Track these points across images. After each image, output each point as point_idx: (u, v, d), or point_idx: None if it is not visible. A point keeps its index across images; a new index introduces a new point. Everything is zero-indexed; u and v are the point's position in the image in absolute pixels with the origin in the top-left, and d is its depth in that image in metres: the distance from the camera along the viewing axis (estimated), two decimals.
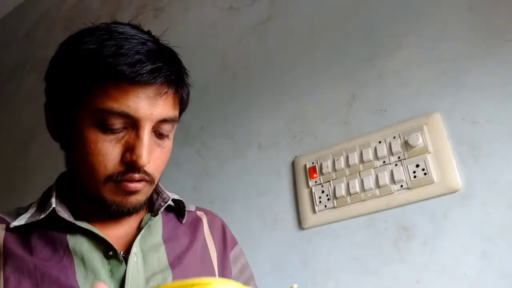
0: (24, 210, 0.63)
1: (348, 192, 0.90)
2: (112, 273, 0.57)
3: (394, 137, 0.88)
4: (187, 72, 0.65)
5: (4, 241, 0.58)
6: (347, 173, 0.91)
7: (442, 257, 0.78)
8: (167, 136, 0.62)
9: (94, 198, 0.59)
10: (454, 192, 0.80)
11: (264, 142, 1.09)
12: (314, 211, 0.93)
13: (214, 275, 0.67)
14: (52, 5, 1.92)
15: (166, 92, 0.58)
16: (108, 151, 0.56)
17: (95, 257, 0.58)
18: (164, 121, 0.59)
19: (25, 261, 0.56)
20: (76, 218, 0.60)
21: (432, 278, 0.78)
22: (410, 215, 0.83)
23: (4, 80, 1.96)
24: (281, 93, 1.10)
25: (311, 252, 0.92)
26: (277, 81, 1.11)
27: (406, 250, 0.82)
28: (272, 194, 1.02)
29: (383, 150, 0.88)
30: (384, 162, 0.88)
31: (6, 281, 0.54)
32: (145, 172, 0.58)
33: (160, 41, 0.62)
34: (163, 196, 0.69)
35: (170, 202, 0.69)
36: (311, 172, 0.96)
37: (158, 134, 0.60)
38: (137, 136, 0.57)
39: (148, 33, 0.61)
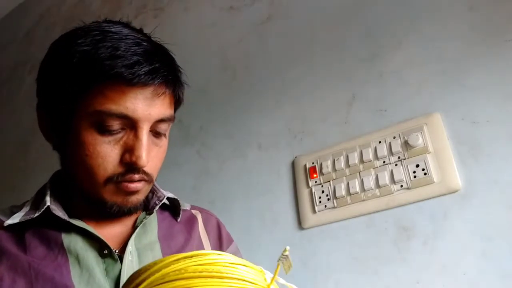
0: (18, 208, 0.62)
1: (348, 192, 0.90)
2: (107, 271, 0.57)
3: (394, 137, 0.88)
4: (182, 70, 0.65)
5: None
6: (347, 173, 0.91)
7: (442, 257, 0.78)
8: (164, 135, 0.62)
9: (94, 199, 0.59)
10: (454, 192, 0.80)
11: (264, 142, 1.09)
12: (314, 211, 0.93)
13: None
14: (52, 5, 1.92)
15: (164, 93, 0.58)
16: (107, 152, 0.56)
17: (90, 255, 0.57)
18: (162, 120, 0.59)
19: (20, 260, 0.56)
20: (70, 217, 0.59)
21: (432, 278, 0.78)
22: (410, 215, 0.83)
23: (4, 80, 1.96)
24: (281, 93, 1.10)
25: (311, 252, 0.92)
26: (277, 81, 1.11)
27: (406, 250, 0.82)
28: (272, 194, 1.02)
29: (383, 150, 0.88)
30: (384, 162, 0.88)
31: (0, 280, 0.54)
32: (144, 172, 0.58)
33: (152, 39, 0.62)
34: (158, 195, 0.69)
35: (165, 201, 0.69)
36: (311, 172, 0.96)
37: (155, 133, 0.60)
38: (136, 137, 0.57)
39: (141, 31, 0.61)
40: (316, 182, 0.95)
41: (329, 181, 0.93)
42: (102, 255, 0.58)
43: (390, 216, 0.85)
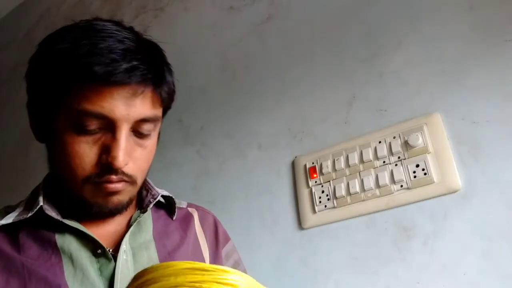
0: (13, 208, 0.62)
1: (348, 192, 0.90)
2: (101, 271, 0.57)
3: (394, 137, 0.88)
4: (170, 68, 0.63)
5: None
6: (347, 173, 0.91)
7: (442, 257, 0.78)
8: (148, 135, 0.60)
9: (76, 199, 0.59)
10: (454, 192, 0.80)
11: (264, 142, 1.09)
12: (314, 211, 0.93)
13: None
14: (52, 5, 1.92)
15: (142, 92, 0.56)
16: (85, 152, 0.55)
17: (83, 255, 0.57)
18: (144, 120, 0.58)
19: (13, 260, 0.56)
20: (64, 217, 0.59)
21: (432, 278, 0.78)
22: (410, 215, 0.83)
23: (4, 80, 1.95)
24: (281, 93, 1.10)
25: (311, 252, 0.92)
26: (277, 81, 1.11)
27: (406, 250, 0.82)
28: (272, 194, 1.02)
29: (383, 150, 0.88)
30: (384, 162, 0.88)
31: None
32: (123, 173, 0.57)
33: (144, 37, 0.61)
34: (153, 193, 0.68)
35: (160, 199, 0.69)
36: (311, 172, 0.96)
37: (138, 133, 0.58)
38: (114, 137, 0.55)
39: (130, 29, 0.60)
40: (316, 182, 0.95)
41: (329, 181, 0.93)
42: (96, 255, 0.58)
43: (390, 216, 0.85)
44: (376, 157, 0.89)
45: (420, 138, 0.84)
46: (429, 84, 0.89)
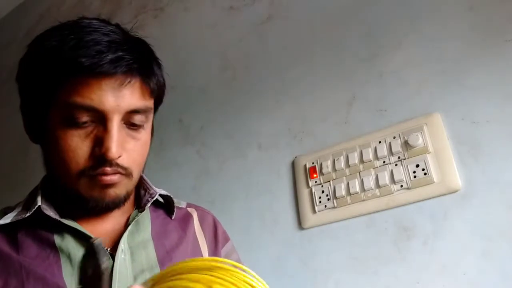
0: (11, 209, 0.63)
1: (348, 192, 0.90)
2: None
3: (394, 137, 0.88)
4: (159, 62, 0.64)
5: None
6: (347, 173, 0.91)
7: (442, 257, 0.78)
8: (142, 126, 0.60)
9: (72, 195, 0.59)
10: (454, 192, 0.80)
11: (264, 142, 1.09)
12: (314, 211, 0.93)
13: None
14: (52, 5, 1.92)
15: (130, 82, 0.56)
16: (78, 146, 0.56)
17: (81, 254, 0.57)
18: (135, 111, 0.58)
19: (11, 260, 0.56)
20: (62, 216, 0.59)
21: (432, 278, 0.78)
22: (410, 215, 0.83)
23: (4, 80, 1.95)
24: (281, 93, 1.10)
25: (311, 252, 0.92)
26: (277, 81, 1.11)
27: (406, 250, 0.82)
28: (272, 194, 1.02)
29: (383, 150, 0.88)
30: (384, 162, 0.88)
31: None
32: (118, 165, 0.57)
33: (130, 33, 0.61)
34: (151, 192, 0.68)
35: (158, 198, 0.69)
36: (311, 172, 0.96)
37: (131, 125, 0.59)
38: (105, 129, 0.56)
39: (116, 25, 0.60)
40: (316, 182, 0.95)
41: (329, 181, 0.93)
42: None
43: (390, 216, 0.85)
44: (376, 157, 0.89)
45: (420, 138, 0.84)
46: (429, 84, 0.89)
